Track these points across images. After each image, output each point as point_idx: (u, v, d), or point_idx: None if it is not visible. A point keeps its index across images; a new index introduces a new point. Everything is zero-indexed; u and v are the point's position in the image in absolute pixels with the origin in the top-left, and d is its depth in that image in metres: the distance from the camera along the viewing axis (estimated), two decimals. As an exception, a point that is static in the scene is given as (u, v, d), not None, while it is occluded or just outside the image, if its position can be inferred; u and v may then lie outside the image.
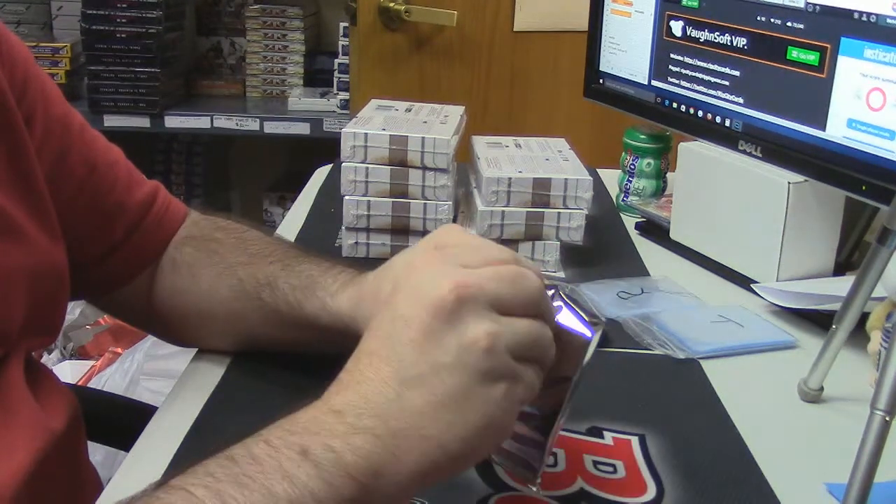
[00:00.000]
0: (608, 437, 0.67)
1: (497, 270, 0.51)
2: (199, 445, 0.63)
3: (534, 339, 0.51)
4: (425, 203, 0.99)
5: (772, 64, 0.93)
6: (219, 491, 0.44)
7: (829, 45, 0.86)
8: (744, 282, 0.97)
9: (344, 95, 2.27)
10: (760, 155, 0.96)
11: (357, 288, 0.67)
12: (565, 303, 0.56)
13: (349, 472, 0.46)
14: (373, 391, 0.48)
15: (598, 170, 1.31)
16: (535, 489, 0.58)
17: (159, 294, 0.79)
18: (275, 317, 0.72)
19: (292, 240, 1.04)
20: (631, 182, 1.21)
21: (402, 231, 1.01)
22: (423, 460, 0.48)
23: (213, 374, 0.75)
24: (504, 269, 0.51)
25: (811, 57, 0.89)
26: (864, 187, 0.84)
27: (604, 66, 1.20)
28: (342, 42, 2.30)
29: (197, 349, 0.80)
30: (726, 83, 1.00)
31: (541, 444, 0.55)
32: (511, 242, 0.98)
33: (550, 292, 0.55)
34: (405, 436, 0.47)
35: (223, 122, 2.34)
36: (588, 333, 0.55)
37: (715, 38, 1.00)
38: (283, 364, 0.74)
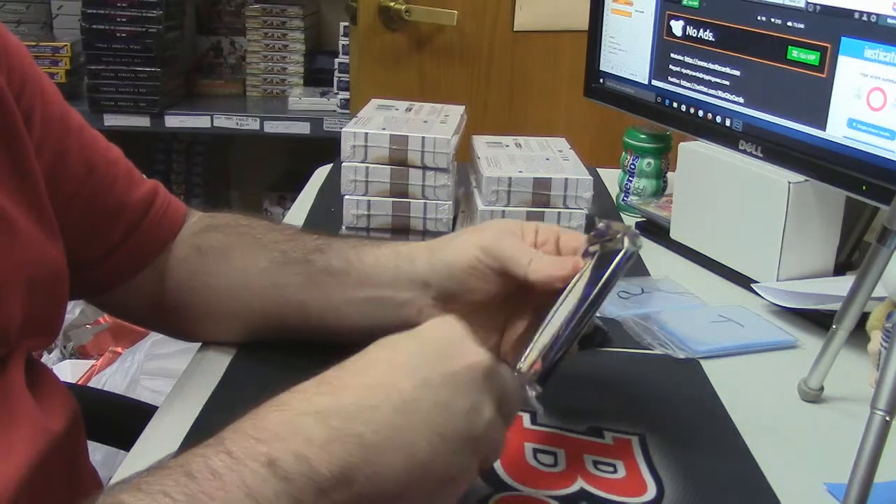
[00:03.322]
0: (608, 437, 0.67)
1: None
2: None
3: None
4: (425, 203, 0.99)
5: (772, 64, 0.93)
6: None
7: (829, 45, 0.86)
8: (744, 282, 0.97)
9: (344, 95, 2.27)
10: (761, 155, 0.96)
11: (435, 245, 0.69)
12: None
13: (320, 486, 0.43)
14: (382, 396, 0.46)
15: (598, 170, 1.31)
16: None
17: (174, 285, 0.78)
18: (321, 278, 0.72)
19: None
20: (631, 182, 1.21)
21: (403, 231, 1.01)
22: (401, 478, 0.45)
23: (213, 373, 0.75)
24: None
25: (811, 57, 0.88)
26: (864, 187, 0.84)
27: (604, 66, 1.19)
28: (342, 41, 2.30)
29: (197, 349, 0.80)
30: (726, 83, 1.00)
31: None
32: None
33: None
34: (393, 449, 0.45)
35: (223, 121, 2.34)
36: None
37: (715, 38, 1.00)
38: (285, 364, 0.74)
